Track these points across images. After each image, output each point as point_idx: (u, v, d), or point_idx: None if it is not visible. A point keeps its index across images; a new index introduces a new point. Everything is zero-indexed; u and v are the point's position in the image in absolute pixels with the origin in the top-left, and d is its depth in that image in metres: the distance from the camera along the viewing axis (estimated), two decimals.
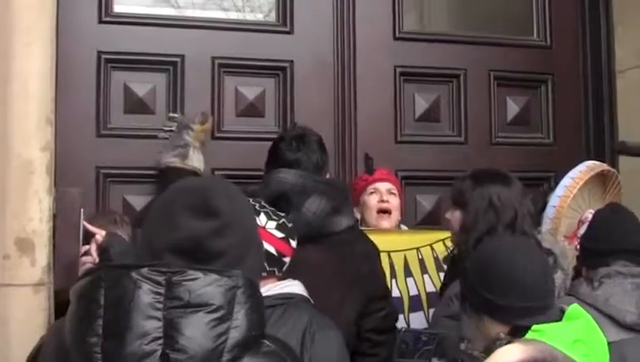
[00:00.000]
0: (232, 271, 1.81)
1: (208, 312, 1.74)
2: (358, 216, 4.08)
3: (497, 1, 5.06)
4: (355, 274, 3.03)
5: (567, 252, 3.29)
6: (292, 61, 4.39)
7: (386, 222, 4.04)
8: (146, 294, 1.74)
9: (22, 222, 2.94)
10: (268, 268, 2.60)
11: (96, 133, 4.05)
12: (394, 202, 4.09)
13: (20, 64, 3.01)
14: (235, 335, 1.76)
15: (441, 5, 5.12)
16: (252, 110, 4.33)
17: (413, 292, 3.76)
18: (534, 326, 2.33)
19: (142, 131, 4.08)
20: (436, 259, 3.81)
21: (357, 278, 3.03)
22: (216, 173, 4.05)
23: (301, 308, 2.59)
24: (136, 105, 4.14)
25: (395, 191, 4.13)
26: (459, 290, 2.68)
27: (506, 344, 2.20)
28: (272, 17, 4.51)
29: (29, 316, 2.92)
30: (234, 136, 4.25)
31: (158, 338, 1.72)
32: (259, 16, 4.66)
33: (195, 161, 3.89)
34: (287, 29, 4.42)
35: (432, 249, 3.86)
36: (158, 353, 1.72)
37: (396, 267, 3.75)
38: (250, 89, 4.35)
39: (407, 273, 3.79)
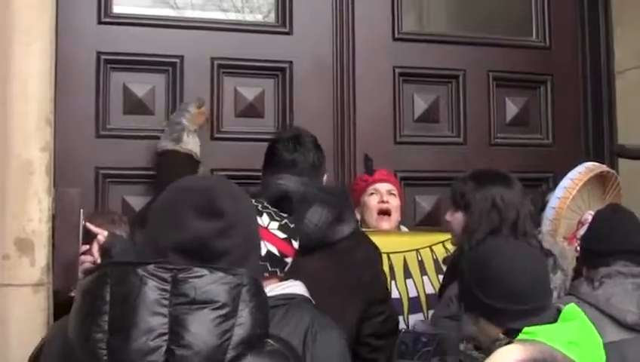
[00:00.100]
0: (237, 269, 1.83)
1: (213, 309, 1.76)
2: (358, 216, 4.08)
3: (496, 1, 5.06)
4: (356, 282, 3.04)
5: (567, 253, 3.29)
6: (291, 62, 4.39)
7: (386, 223, 4.04)
8: (152, 291, 1.76)
9: (21, 223, 2.94)
10: (270, 269, 2.61)
11: (96, 134, 4.04)
12: (394, 203, 4.09)
13: (20, 64, 3.01)
14: (239, 332, 1.77)
15: (440, 6, 5.12)
16: (251, 111, 4.33)
17: (413, 293, 3.76)
18: (526, 329, 2.34)
19: (141, 132, 4.08)
20: (435, 260, 3.80)
21: (358, 286, 3.04)
22: (215, 173, 4.04)
23: (303, 308, 2.60)
24: (135, 105, 4.14)
25: (395, 192, 4.13)
26: (458, 291, 2.69)
27: (506, 344, 2.20)
28: (272, 18, 4.51)
29: (29, 316, 2.92)
30: (233, 137, 4.25)
31: (164, 334, 1.73)
32: (258, 17, 4.67)
33: (191, 144, 3.89)
34: (287, 30, 4.42)
35: (432, 251, 3.85)
36: (164, 349, 1.73)
37: (395, 268, 3.75)
38: (250, 90, 4.35)
39: (407, 274, 3.79)
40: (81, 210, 3.03)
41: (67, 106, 3.82)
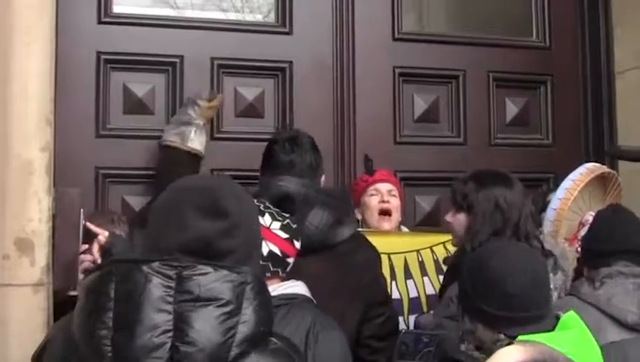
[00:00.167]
0: (241, 267, 1.84)
1: (218, 306, 1.77)
2: (359, 217, 4.08)
3: (496, 1, 5.06)
4: (356, 285, 3.04)
5: (568, 253, 3.29)
6: (291, 62, 4.38)
7: (387, 224, 4.04)
8: (157, 288, 1.77)
9: (21, 223, 2.94)
10: (272, 269, 2.62)
11: (96, 134, 4.04)
12: (395, 203, 4.09)
13: (20, 64, 3.01)
14: (243, 330, 1.78)
15: (440, 6, 5.12)
16: (251, 111, 4.33)
17: (413, 294, 3.76)
18: (520, 337, 2.34)
19: (141, 132, 4.08)
20: (436, 261, 3.80)
21: (358, 288, 3.04)
22: (215, 173, 4.04)
23: (305, 308, 2.61)
24: (135, 105, 4.13)
25: (396, 192, 4.13)
26: (457, 293, 2.69)
27: (507, 345, 2.20)
28: (271, 18, 4.51)
29: (29, 316, 2.93)
30: (233, 137, 4.25)
31: (168, 330, 1.75)
32: (258, 17, 4.66)
33: (196, 142, 3.87)
34: (287, 30, 4.42)
35: (433, 251, 3.85)
36: (168, 345, 1.74)
37: (396, 269, 3.75)
38: (250, 90, 4.35)
39: (407, 275, 3.78)
40: (81, 210, 3.04)
41: (67, 106, 3.82)
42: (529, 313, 2.42)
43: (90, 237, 3.02)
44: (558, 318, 2.43)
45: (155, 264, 1.79)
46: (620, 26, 4.80)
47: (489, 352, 2.22)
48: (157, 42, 4.18)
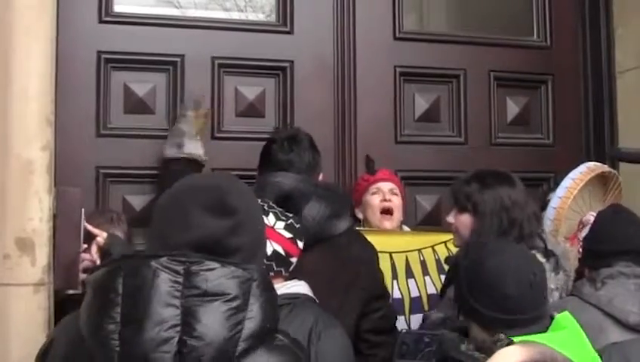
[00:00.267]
0: (247, 264, 1.86)
1: (225, 302, 1.79)
2: (361, 216, 4.09)
3: (497, 1, 5.06)
4: (352, 278, 3.05)
5: (569, 253, 3.29)
6: (292, 61, 4.39)
7: (389, 223, 4.04)
8: (165, 283, 1.79)
9: (22, 222, 2.93)
10: (275, 268, 2.63)
11: (96, 133, 4.04)
12: (396, 202, 4.09)
13: (20, 64, 3.01)
14: (250, 325, 1.80)
15: (440, 6, 5.13)
16: (252, 110, 4.33)
17: (415, 293, 3.76)
18: (513, 338, 2.35)
19: (142, 131, 4.08)
20: (437, 260, 3.80)
21: (354, 282, 3.05)
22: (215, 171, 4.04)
23: (307, 307, 2.63)
24: (136, 105, 4.13)
25: (398, 191, 4.13)
26: (454, 293, 2.70)
27: (507, 345, 2.20)
28: (273, 18, 4.51)
29: (29, 315, 2.92)
30: (234, 136, 4.25)
31: (176, 325, 1.76)
32: (259, 17, 4.67)
33: (192, 148, 3.87)
34: (288, 30, 4.42)
35: (434, 251, 3.85)
36: (176, 339, 1.76)
37: (398, 268, 3.75)
38: (250, 89, 4.35)
39: (409, 274, 3.78)
40: (82, 210, 3.04)
41: (68, 106, 3.82)
42: (525, 315, 2.44)
43: (89, 237, 3.03)
44: (553, 319, 2.44)
45: (163, 259, 1.81)
46: (621, 26, 4.80)
47: (489, 352, 2.23)
48: (157, 41, 4.18)
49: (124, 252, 2.77)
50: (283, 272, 2.68)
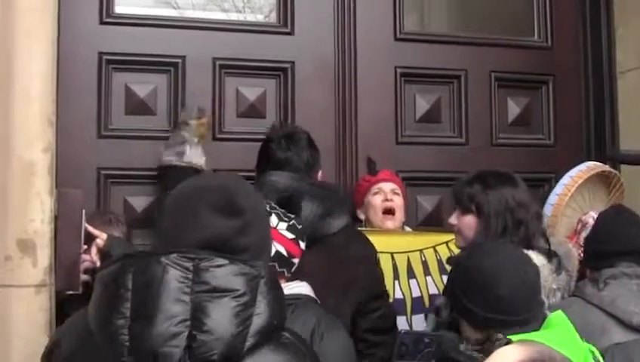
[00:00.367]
0: (255, 262, 1.89)
1: (234, 298, 1.81)
2: (363, 216, 4.09)
3: (498, 1, 5.06)
4: (349, 277, 3.05)
5: (572, 253, 3.29)
6: (293, 62, 4.39)
7: (391, 223, 4.04)
8: (175, 279, 1.81)
9: (23, 223, 2.94)
10: (278, 269, 2.63)
11: (98, 134, 4.04)
12: (398, 202, 4.09)
13: (22, 65, 3.01)
14: (257, 322, 1.83)
15: (441, 6, 5.13)
16: (253, 111, 4.33)
17: (416, 294, 3.76)
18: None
19: (143, 132, 4.08)
20: (439, 261, 3.79)
21: (351, 281, 3.05)
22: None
23: (309, 308, 2.64)
24: (137, 106, 4.13)
25: (399, 192, 4.13)
26: (447, 292, 2.72)
27: (505, 344, 2.20)
28: (273, 18, 4.52)
29: (31, 317, 2.92)
30: (235, 137, 4.25)
31: (186, 320, 1.79)
32: (259, 17, 4.67)
33: (193, 157, 3.87)
34: (288, 30, 4.42)
35: (436, 251, 3.85)
36: (185, 334, 1.78)
37: (399, 268, 3.75)
38: (251, 90, 4.35)
39: (410, 274, 3.78)
40: (83, 211, 3.05)
41: (69, 107, 3.83)
42: (517, 316, 2.46)
43: (89, 239, 3.04)
44: (546, 318, 2.45)
45: (173, 256, 1.84)
46: (622, 27, 4.79)
47: (487, 352, 2.23)
48: (159, 43, 4.18)
49: (125, 252, 2.78)
50: (285, 273, 2.68)
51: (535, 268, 2.66)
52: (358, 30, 4.51)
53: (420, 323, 3.60)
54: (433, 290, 3.75)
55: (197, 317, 1.79)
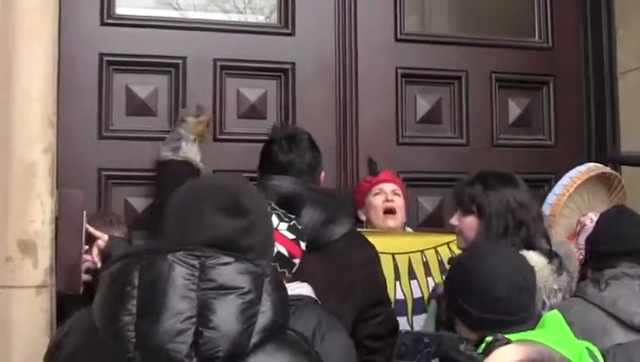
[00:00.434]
0: (260, 260, 1.92)
1: (239, 295, 1.84)
2: (364, 217, 4.09)
3: (499, 2, 5.06)
4: (350, 283, 3.05)
5: (573, 254, 3.28)
6: (294, 63, 4.39)
7: (392, 221, 4.05)
8: (181, 276, 1.84)
9: (24, 224, 2.93)
10: (279, 270, 2.62)
11: (98, 135, 4.05)
12: (399, 202, 4.10)
13: (23, 66, 3.01)
14: (262, 319, 1.85)
15: (442, 7, 5.12)
16: (254, 112, 4.33)
17: (417, 294, 3.75)
18: (487, 339, 2.37)
19: (144, 133, 4.08)
20: (440, 261, 3.79)
21: (352, 287, 3.05)
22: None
23: (310, 308, 2.64)
24: (138, 107, 4.14)
25: (400, 192, 4.14)
26: (443, 291, 2.73)
27: (505, 344, 2.21)
28: (274, 19, 4.52)
29: (31, 318, 2.92)
30: (235, 138, 4.25)
31: (192, 317, 1.81)
32: (260, 18, 4.67)
33: (189, 152, 3.87)
34: (289, 31, 4.42)
35: (437, 252, 3.84)
36: (192, 331, 1.80)
37: (400, 269, 3.75)
38: (252, 91, 4.35)
39: (412, 275, 3.78)
40: (84, 212, 3.05)
41: (70, 108, 3.83)
42: (513, 316, 2.48)
43: (89, 239, 3.04)
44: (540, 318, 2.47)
45: (179, 253, 1.86)
46: (623, 27, 4.79)
47: (488, 352, 2.24)
48: (159, 44, 4.19)
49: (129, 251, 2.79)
50: (286, 273, 2.68)
51: (531, 270, 2.68)
52: (359, 31, 4.51)
53: (421, 324, 3.60)
54: None
55: (203, 313, 1.81)
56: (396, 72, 4.57)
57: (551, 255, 3.08)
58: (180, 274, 1.84)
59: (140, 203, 4.06)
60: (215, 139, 4.18)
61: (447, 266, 3.59)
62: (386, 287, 3.36)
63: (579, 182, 3.76)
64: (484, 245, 2.89)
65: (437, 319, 3.06)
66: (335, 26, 4.48)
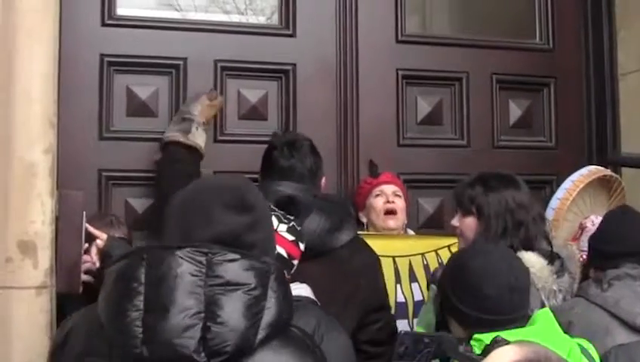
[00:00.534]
0: (265, 258, 1.96)
1: (246, 292, 1.87)
2: (365, 220, 4.09)
3: (499, 4, 5.06)
4: (351, 290, 3.06)
5: (575, 256, 3.28)
6: (294, 64, 4.39)
7: (393, 222, 4.05)
8: (188, 272, 1.87)
9: (24, 225, 2.92)
10: None
11: (99, 136, 4.04)
12: (400, 204, 4.10)
13: (23, 66, 3.00)
14: (268, 315, 1.88)
15: (443, 8, 5.13)
16: (254, 113, 4.33)
17: (418, 297, 3.76)
18: (475, 335, 2.39)
19: (144, 134, 4.08)
20: (441, 264, 3.79)
21: (353, 294, 3.06)
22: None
23: (310, 309, 2.64)
24: (138, 108, 4.13)
25: (401, 194, 4.14)
26: (437, 290, 2.74)
27: (504, 345, 2.21)
28: (275, 20, 4.52)
29: (31, 318, 2.91)
30: (236, 139, 4.25)
31: (200, 312, 1.84)
32: (261, 19, 4.67)
33: (198, 138, 3.87)
34: (290, 32, 4.42)
35: (438, 255, 3.85)
36: (200, 326, 1.83)
37: (401, 272, 3.75)
38: (253, 92, 4.35)
39: (412, 278, 3.79)
40: (84, 213, 3.05)
41: (71, 108, 3.84)
42: (503, 316, 2.49)
43: (89, 239, 3.04)
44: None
45: (186, 250, 1.89)
46: (624, 29, 4.79)
47: (486, 353, 2.24)
48: (160, 44, 4.19)
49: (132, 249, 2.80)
50: (286, 274, 2.68)
51: (526, 270, 2.69)
52: (360, 32, 4.51)
53: None
54: None
55: (211, 309, 1.84)
56: (397, 73, 4.57)
57: (552, 256, 3.09)
58: (187, 270, 1.87)
59: (140, 204, 4.06)
60: (216, 140, 4.18)
61: None
62: (387, 293, 3.36)
63: (582, 185, 3.76)
64: (481, 244, 2.90)
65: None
66: (336, 27, 4.48)
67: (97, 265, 3.01)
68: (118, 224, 3.54)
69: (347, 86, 4.47)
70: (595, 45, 4.88)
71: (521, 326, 2.49)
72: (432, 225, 4.49)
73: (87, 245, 3.04)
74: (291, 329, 2.00)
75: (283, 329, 1.95)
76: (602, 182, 3.92)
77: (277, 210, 2.76)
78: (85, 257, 3.03)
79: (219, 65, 4.27)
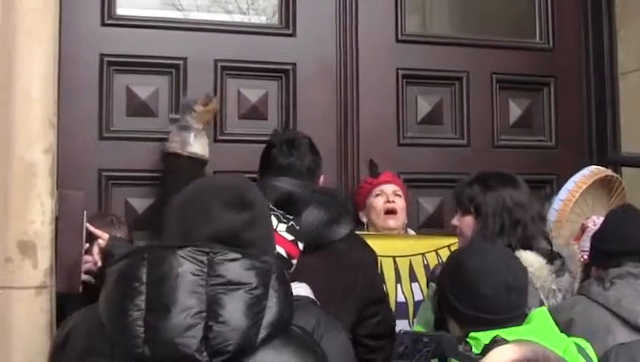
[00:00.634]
0: (266, 257, 1.96)
1: (247, 291, 1.88)
2: (365, 219, 4.10)
3: (500, 3, 5.06)
4: (349, 284, 3.06)
5: (577, 255, 3.28)
6: (295, 64, 4.39)
7: (393, 221, 4.05)
8: (190, 272, 1.87)
9: (24, 225, 2.93)
10: None
11: (99, 136, 4.04)
12: (400, 203, 4.10)
13: (23, 66, 3.00)
14: (269, 314, 1.89)
15: (443, 8, 5.13)
16: (255, 113, 4.33)
17: (418, 297, 3.76)
18: (471, 334, 2.39)
19: (144, 134, 4.08)
20: (441, 263, 3.80)
21: (352, 287, 3.06)
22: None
23: (309, 309, 2.64)
24: (138, 107, 4.13)
25: (401, 193, 4.14)
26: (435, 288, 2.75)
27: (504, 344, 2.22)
28: (275, 20, 4.52)
29: (31, 319, 2.91)
30: (236, 139, 4.25)
31: (202, 312, 1.84)
32: (262, 19, 4.67)
33: (196, 146, 3.86)
34: (290, 32, 4.42)
35: (438, 254, 3.85)
36: (202, 325, 1.83)
37: (401, 272, 3.75)
38: (253, 91, 4.35)
39: (413, 278, 3.79)
40: (84, 213, 3.05)
41: (71, 108, 3.84)
42: (500, 315, 2.50)
43: (90, 239, 3.04)
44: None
45: (187, 249, 1.89)
46: (624, 28, 4.79)
47: (485, 352, 2.25)
48: (160, 44, 4.19)
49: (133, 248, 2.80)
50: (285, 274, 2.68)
51: (524, 270, 2.69)
52: (360, 32, 4.51)
53: None
54: None
55: (212, 308, 1.84)
56: (397, 73, 4.57)
57: (552, 255, 3.09)
58: (188, 270, 1.87)
59: (140, 203, 4.05)
60: (216, 140, 4.18)
61: None
62: (383, 287, 3.37)
63: (584, 186, 3.76)
64: (479, 243, 2.91)
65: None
66: (336, 26, 4.48)
67: (99, 264, 3.01)
68: (119, 224, 3.54)
69: (347, 85, 4.47)
70: (595, 44, 4.88)
71: (517, 325, 2.49)
72: (432, 225, 4.49)
73: (88, 245, 3.04)
74: (292, 328, 2.00)
75: (284, 328, 1.95)
76: (603, 183, 3.92)
77: (276, 209, 2.76)
78: (87, 257, 3.04)
79: (219, 64, 4.27)
